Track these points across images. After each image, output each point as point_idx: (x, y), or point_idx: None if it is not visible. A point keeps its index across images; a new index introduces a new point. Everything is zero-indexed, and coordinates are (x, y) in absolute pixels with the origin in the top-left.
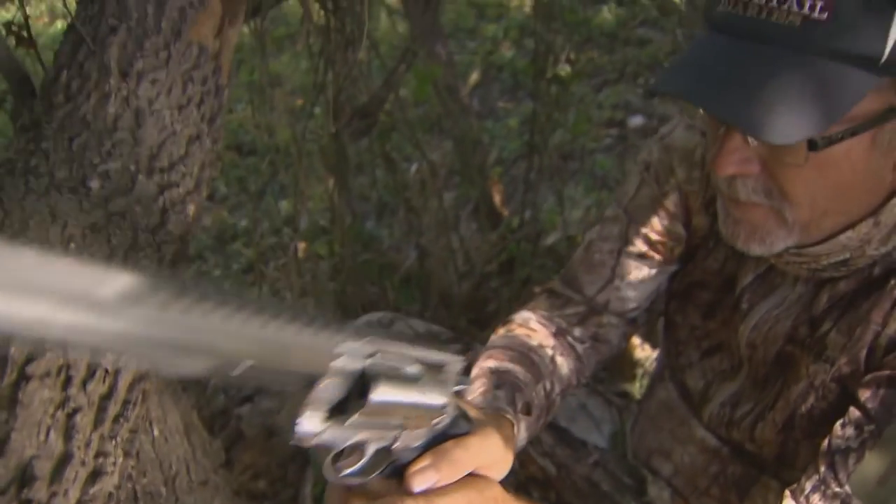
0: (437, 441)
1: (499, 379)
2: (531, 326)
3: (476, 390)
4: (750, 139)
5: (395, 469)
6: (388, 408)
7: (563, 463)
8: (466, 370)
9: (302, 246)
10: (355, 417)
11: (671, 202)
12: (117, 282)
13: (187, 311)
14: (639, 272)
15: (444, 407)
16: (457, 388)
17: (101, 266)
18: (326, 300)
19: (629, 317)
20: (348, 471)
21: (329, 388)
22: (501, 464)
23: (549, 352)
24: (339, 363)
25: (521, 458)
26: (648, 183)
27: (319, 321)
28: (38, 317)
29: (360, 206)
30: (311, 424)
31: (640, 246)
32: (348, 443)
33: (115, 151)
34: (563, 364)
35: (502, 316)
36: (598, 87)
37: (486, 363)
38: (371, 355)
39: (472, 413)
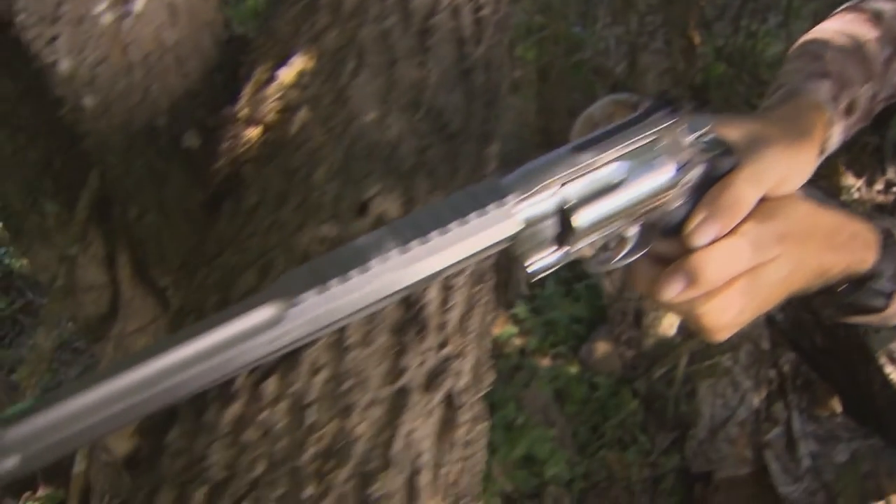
0: (704, 189)
1: (825, 68)
2: (881, 18)
3: (792, 71)
4: None
5: (670, 231)
6: (602, 221)
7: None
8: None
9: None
10: (578, 244)
11: None
12: None
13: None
14: None
15: (674, 177)
16: (695, 134)
17: None
18: (529, 105)
19: None
20: (620, 256)
21: (538, 232)
22: (792, 175)
23: (889, 51)
24: (527, 215)
25: None
26: None
27: (481, 195)
28: None
29: (568, 9)
30: (544, 262)
31: None
32: (601, 243)
33: None
34: None
35: None
36: None
37: (815, 43)
38: (559, 187)
39: (740, 134)
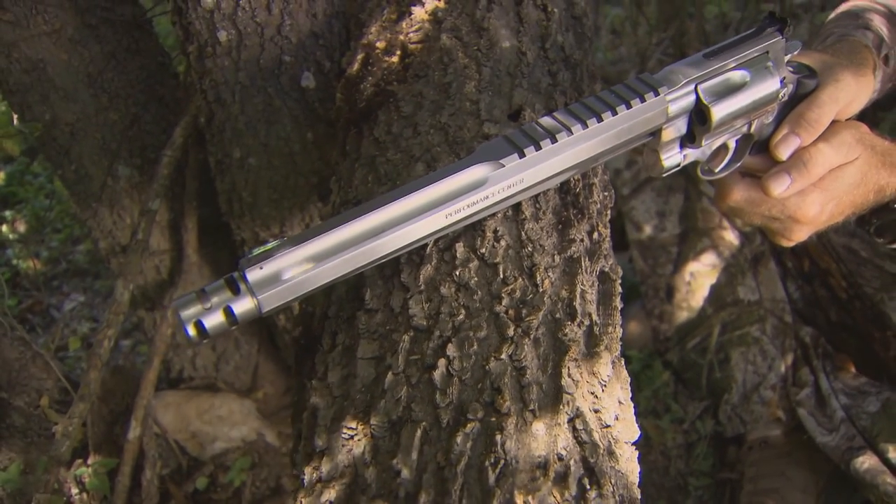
0: (790, 107)
1: (867, 24)
2: None
3: (838, 25)
4: None
5: (759, 148)
6: (729, 118)
7: (822, 232)
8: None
9: None
10: (706, 139)
11: None
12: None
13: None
14: None
15: (780, 88)
16: (788, 55)
17: None
18: None
19: None
20: (721, 166)
21: (672, 129)
22: (859, 98)
23: None
24: (673, 108)
25: None
26: None
27: (637, 87)
28: None
29: None
30: (673, 160)
31: None
32: (711, 150)
33: None
34: None
35: None
36: None
37: (855, 7)
38: (695, 86)
39: (816, 61)
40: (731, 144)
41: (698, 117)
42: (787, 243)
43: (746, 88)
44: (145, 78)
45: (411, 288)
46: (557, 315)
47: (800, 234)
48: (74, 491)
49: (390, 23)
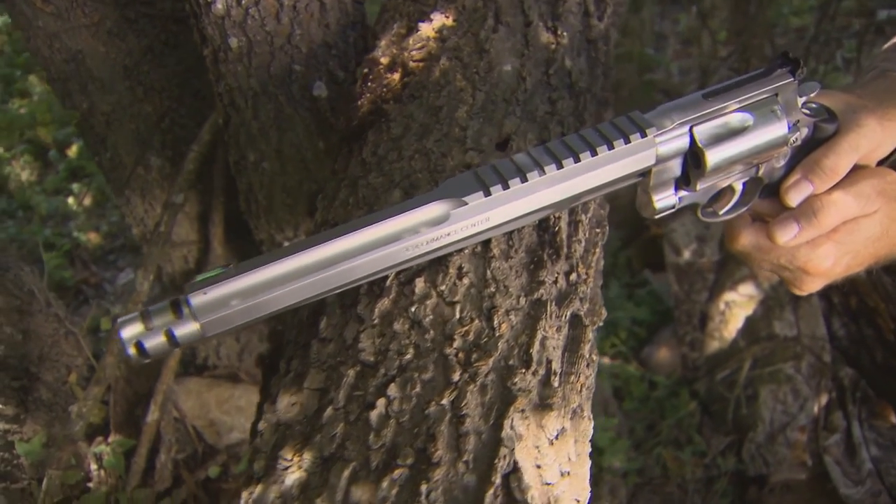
0: (805, 152)
1: None
2: None
3: (884, 58)
4: None
5: (770, 191)
6: (726, 163)
7: (873, 269)
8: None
9: None
10: (701, 182)
11: None
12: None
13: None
14: None
15: (787, 134)
16: (804, 97)
17: None
18: None
19: None
20: (726, 209)
21: (665, 171)
22: (884, 144)
23: None
24: (663, 149)
25: None
26: None
27: (624, 127)
28: None
29: (644, 31)
30: (666, 201)
31: None
32: (711, 193)
33: None
34: None
35: None
36: None
37: None
38: (690, 128)
39: (839, 102)
40: (738, 187)
41: (693, 160)
42: (799, 293)
43: (748, 132)
44: (182, 72)
45: (366, 320)
46: (511, 361)
47: (811, 286)
48: (93, 467)
49: (398, 38)
